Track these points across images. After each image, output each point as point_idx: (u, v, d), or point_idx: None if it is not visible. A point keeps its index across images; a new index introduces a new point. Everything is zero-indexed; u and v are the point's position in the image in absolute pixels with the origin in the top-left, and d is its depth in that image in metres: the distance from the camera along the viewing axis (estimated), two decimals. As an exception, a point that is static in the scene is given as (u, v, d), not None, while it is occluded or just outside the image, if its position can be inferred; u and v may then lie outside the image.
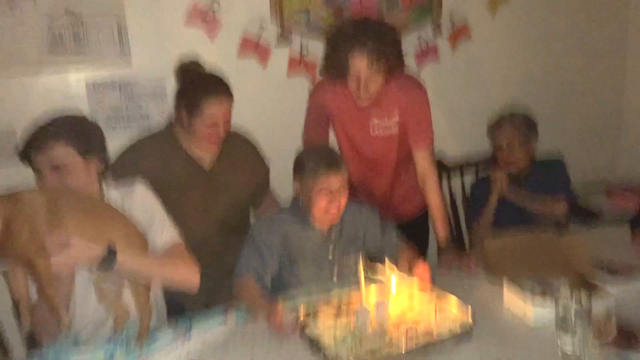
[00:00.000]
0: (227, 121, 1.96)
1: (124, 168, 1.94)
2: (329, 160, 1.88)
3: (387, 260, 1.84)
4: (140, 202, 1.74)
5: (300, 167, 1.92)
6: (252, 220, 2.27)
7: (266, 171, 2.24)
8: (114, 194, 1.73)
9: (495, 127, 2.58)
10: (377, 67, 1.99)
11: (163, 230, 1.72)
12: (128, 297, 1.60)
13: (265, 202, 2.27)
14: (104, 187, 1.73)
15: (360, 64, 1.98)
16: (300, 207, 1.95)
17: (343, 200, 1.90)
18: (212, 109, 1.88)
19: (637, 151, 3.51)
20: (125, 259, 1.48)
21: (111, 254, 1.45)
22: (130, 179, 1.80)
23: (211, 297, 2.02)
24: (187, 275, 1.67)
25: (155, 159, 1.94)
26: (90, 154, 1.64)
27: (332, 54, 2.05)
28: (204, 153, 2.00)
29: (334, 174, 1.86)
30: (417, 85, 2.20)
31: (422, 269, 1.81)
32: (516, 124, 2.53)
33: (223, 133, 1.94)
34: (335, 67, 2.05)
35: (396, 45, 2.05)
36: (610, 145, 3.58)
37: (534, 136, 2.57)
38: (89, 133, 1.67)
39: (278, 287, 1.94)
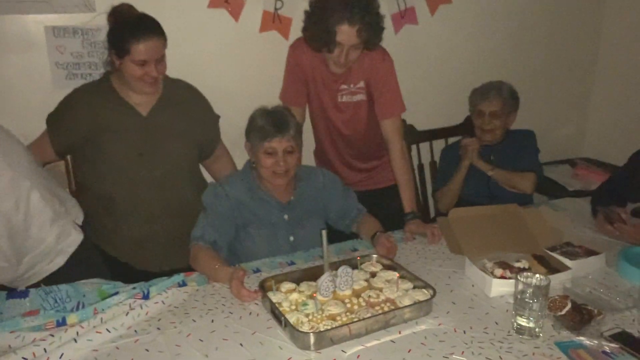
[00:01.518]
0: (160, 61, 1.93)
1: (60, 114, 1.97)
2: (277, 120, 1.87)
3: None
4: None
5: (250, 125, 1.92)
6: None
7: (214, 119, 2.21)
8: None
9: (481, 94, 2.58)
10: (362, 38, 2.00)
11: None
12: None
13: (219, 159, 2.26)
14: None
15: (348, 34, 1.98)
16: (252, 170, 1.95)
17: (291, 161, 1.88)
18: (140, 47, 1.86)
19: (602, 129, 3.57)
20: None
21: None
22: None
23: (168, 253, 2.03)
24: None
25: (90, 105, 1.96)
26: None
27: (319, 22, 2.01)
28: (141, 98, 1.99)
29: (281, 135, 1.85)
30: (383, 56, 2.19)
31: (389, 244, 1.85)
32: (503, 94, 2.54)
33: (156, 73, 1.91)
34: (320, 37, 2.03)
35: (379, 18, 2.06)
36: (576, 122, 3.63)
37: (515, 108, 2.59)
38: None
39: (235, 250, 1.94)
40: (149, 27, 1.89)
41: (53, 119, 1.99)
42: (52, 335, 1.42)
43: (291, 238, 1.98)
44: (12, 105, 2.20)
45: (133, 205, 2.00)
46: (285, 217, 1.97)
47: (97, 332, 1.45)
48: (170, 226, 2.04)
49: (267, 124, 1.86)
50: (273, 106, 1.97)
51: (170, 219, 2.04)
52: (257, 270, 1.81)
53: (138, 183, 1.98)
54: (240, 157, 2.22)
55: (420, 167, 2.84)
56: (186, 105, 2.08)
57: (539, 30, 3.27)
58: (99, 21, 2.21)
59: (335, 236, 2.07)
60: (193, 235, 1.87)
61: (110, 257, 2.04)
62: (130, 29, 1.87)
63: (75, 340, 1.41)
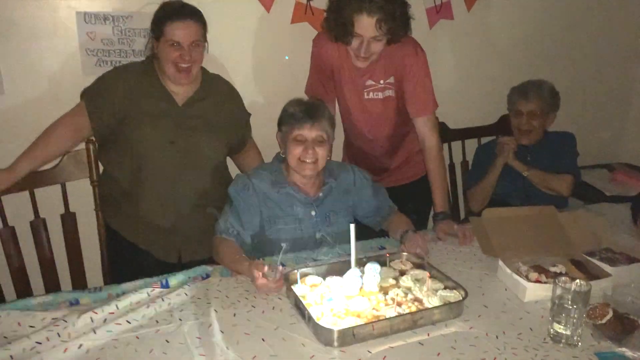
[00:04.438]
0: (196, 47, 1.90)
1: (98, 88, 1.95)
2: (309, 108, 1.83)
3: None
4: None
5: (283, 114, 1.89)
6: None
7: (246, 118, 2.19)
8: None
9: (519, 93, 2.50)
10: (383, 30, 1.91)
11: None
12: None
13: (247, 152, 2.24)
14: None
15: (367, 25, 1.89)
16: (281, 163, 1.91)
17: (320, 152, 1.83)
18: (173, 27, 1.86)
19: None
20: None
21: None
22: None
23: (189, 244, 2.01)
24: None
25: (129, 84, 1.94)
26: None
27: (337, 12, 1.94)
28: (179, 87, 1.97)
29: (312, 123, 1.81)
30: (416, 49, 2.09)
31: (422, 243, 1.79)
32: (543, 94, 2.47)
33: (189, 57, 1.89)
34: (338, 27, 1.95)
35: (403, 8, 1.95)
36: (615, 126, 3.50)
37: (555, 109, 2.50)
38: None
39: (260, 246, 1.89)
40: (186, 10, 1.89)
41: (90, 92, 1.96)
42: (65, 321, 1.40)
43: (317, 235, 1.92)
44: (42, 90, 2.20)
45: (157, 194, 1.98)
46: (313, 213, 1.92)
47: (116, 323, 1.42)
48: (192, 218, 2.01)
49: (298, 110, 1.83)
50: (304, 97, 1.93)
51: (193, 210, 2.01)
52: (282, 265, 1.76)
53: (165, 171, 1.96)
54: (268, 153, 2.19)
55: (452, 166, 2.76)
56: (221, 101, 2.07)
57: (581, 31, 3.16)
58: (130, 8, 2.21)
59: (362, 233, 2.02)
60: (217, 228, 1.84)
61: (130, 244, 2.02)
62: (167, 11, 1.89)
63: (95, 332, 1.38)
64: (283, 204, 1.89)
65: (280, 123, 1.89)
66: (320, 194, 1.92)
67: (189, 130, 1.97)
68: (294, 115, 1.83)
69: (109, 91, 1.93)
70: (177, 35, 1.86)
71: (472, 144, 2.80)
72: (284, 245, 1.61)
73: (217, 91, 2.07)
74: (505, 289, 1.64)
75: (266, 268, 1.57)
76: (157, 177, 1.96)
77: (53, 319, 1.43)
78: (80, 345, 1.33)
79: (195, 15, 1.90)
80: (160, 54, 1.91)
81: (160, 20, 1.88)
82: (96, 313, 1.45)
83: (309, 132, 1.81)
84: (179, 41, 1.86)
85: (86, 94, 1.97)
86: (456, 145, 2.78)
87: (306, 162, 1.83)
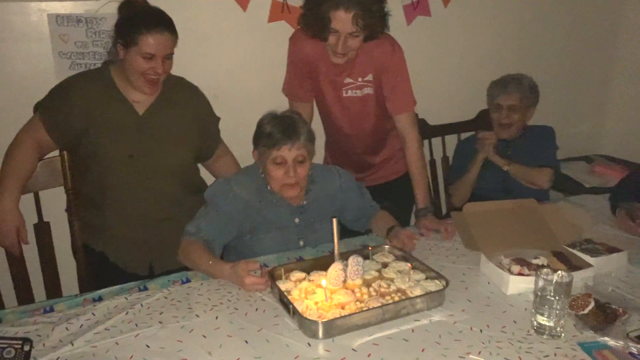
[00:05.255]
0: (168, 59, 1.83)
1: (53, 101, 1.87)
2: (286, 126, 1.75)
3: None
4: None
5: (258, 132, 1.80)
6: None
7: (214, 122, 2.11)
8: None
9: (499, 87, 2.51)
10: (360, 25, 1.89)
11: None
12: None
13: (220, 159, 2.16)
14: None
15: (343, 21, 1.88)
16: (260, 174, 1.85)
17: (302, 172, 1.77)
18: (149, 39, 1.76)
19: (620, 126, 3.48)
20: None
21: None
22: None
23: (160, 257, 1.95)
24: None
25: (85, 95, 1.85)
26: None
27: (314, 8, 1.92)
28: (139, 95, 1.88)
29: (291, 143, 1.73)
30: (393, 46, 2.09)
31: (408, 236, 1.78)
32: (522, 88, 2.48)
33: (161, 70, 1.81)
34: (315, 23, 1.93)
35: (380, 4, 1.95)
36: (593, 119, 3.53)
37: (534, 103, 2.52)
38: None
39: (242, 254, 1.82)
40: (162, 21, 1.80)
41: (47, 107, 1.87)
42: (39, 335, 1.37)
43: (301, 242, 1.90)
44: (14, 94, 2.15)
45: (122, 208, 1.90)
46: (296, 220, 1.88)
47: (95, 332, 1.39)
48: (161, 228, 1.93)
49: (275, 130, 1.74)
50: (283, 111, 1.86)
51: (161, 221, 1.93)
52: (265, 266, 1.74)
53: (125, 185, 1.88)
54: (247, 157, 2.16)
55: (432, 162, 2.77)
56: (186, 107, 1.98)
57: (556, 25, 3.19)
58: (104, 10, 2.17)
59: (344, 231, 2.01)
60: (187, 230, 1.76)
61: (101, 256, 1.96)
62: (142, 19, 1.78)
63: (72, 344, 1.35)
64: (265, 212, 1.84)
65: (257, 142, 1.81)
66: (305, 202, 1.88)
67: (151, 141, 1.89)
68: (271, 135, 1.74)
69: (65, 104, 1.84)
70: (153, 47, 1.77)
71: (452, 140, 2.81)
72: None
73: (181, 96, 1.97)
74: (488, 283, 1.64)
75: (257, 265, 1.57)
76: (120, 189, 1.88)
77: (25, 333, 1.39)
78: (57, 359, 1.30)
79: (171, 26, 1.82)
80: (129, 63, 1.80)
81: (134, 28, 1.77)
82: (71, 323, 1.43)
83: (288, 152, 1.74)
84: (153, 53, 1.78)
85: (41, 109, 1.88)
86: (436, 141, 2.79)
87: (288, 184, 1.77)
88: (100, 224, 1.94)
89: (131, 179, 1.88)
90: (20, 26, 2.10)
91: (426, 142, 2.72)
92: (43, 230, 1.99)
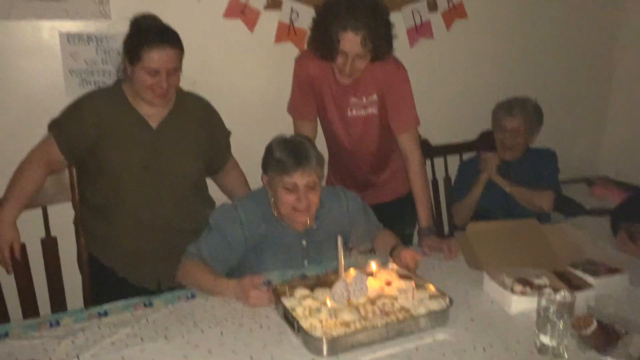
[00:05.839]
0: (172, 73, 1.85)
1: (66, 119, 1.91)
2: (297, 152, 1.74)
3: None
4: None
5: (268, 158, 1.79)
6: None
7: (225, 136, 2.15)
8: None
9: (504, 109, 2.54)
10: (367, 47, 1.93)
11: None
12: None
13: (229, 173, 2.19)
14: None
15: (352, 42, 1.91)
16: (268, 199, 1.85)
17: (313, 197, 1.77)
18: (152, 55, 1.79)
19: (618, 148, 3.52)
20: None
21: None
22: None
23: (167, 270, 1.91)
24: None
25: (98, 111, 1.88)
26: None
27: (323, 29, 1.96)
28: (152, 109, 1.92)
29: (302, 169, 1.72)
30: (397, 66, 2.13)
31: (411, 255, 1.79)
32: (527, 111, 2.50)
33: (166, 84, 1.84)
34: (324, 44, 1.97)
35: (388, 27, 1.99)
36: (592, 140, 3.57)
37: (538, 126, 2.55)
38: None
39: (241, 272, 1.80)
40: (166, 37, 1.83)
41: (59, 124, 1.91)
42: (46, 349, 1.38)
43: (305, 262, 1.90)
44: (24, 111, 2.18)
45: (132, 219, 1.93)
46: (304, 242, 1.88)
47: (101, 347, 1.41)
48: (171, 242, 1.94)
49: (286, 156, 1.73)
50: (291, 135, 1.88)
51: (171, 234, 1.95)
52: (269, 283, 1.76)
53: (139, 197, 1.91)
54: (252, 176, 2.20)
55: (434, 182, 2.79)
56: (198, 120, 2.02)
57: (555, 48, 3.24)
58: (114, 29, 2.21)
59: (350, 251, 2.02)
60: (188, 251, 1.76)
61: (109, 270, 1.98)
62: (145, 36, 1.81)
63: (78, 357, 1.36)
64: (272, 236, 1.83)
65: (267, 167, 1.80)
66: (314, 226, 1.88)
67: (163, 154, 1.92)
68: (281, 161, 1.73)
69: (77, 120, 1.88)
70: (156, 63, 1.80)
71: (453, 160, 2.84)
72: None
73: (193, 110, 2.01)
74: (491, 302, 1.65)
75: (262, 278, 1.59)
76: (131, 202, 1.91)
77: (32, 346, 1.40)
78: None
79: (174, 41, 1.84)
80: (135, 78, 1.84)
81: (138, 45, 1.81)
82: (77, 337, 1.44)
83: (299, 179, 1.73)
84: (157, 69, 1.81)
85: (55, 127, 1.91)
86: (438, 161, 2.82)
87: (299, 210, 1.76)
88: (109, 237, 1.96)
89: (144, 190, 1.91)
90: (32, 44, 2.14)
91: (428, 161, 2.75)
92: (50, 245, 2.01)
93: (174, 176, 1.95)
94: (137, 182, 1.90)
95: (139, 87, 1.85)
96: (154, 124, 1.93)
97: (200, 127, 2.02)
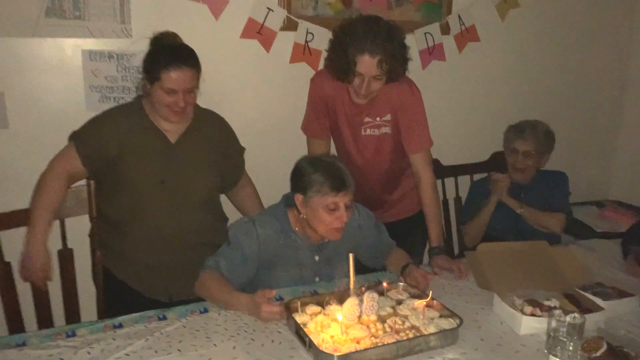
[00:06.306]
0: (190, 92, 1.89)
1: (87, 132, 1.94)
2: (340, 175, 1.80)
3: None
4: None
5: (306, 178, 1.81)
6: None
7: (240, 151, 2.20)
8: None
9: (516, 132, 2.56)
10: (384, 69, 1.98)
11: None
12: None
13: (242, 189, 2.23)
14: None
15: (368, 65, 1.96)
16: (286, 214, 1.89)
17: (349, 215, 1.83)
18: (170, 75, 1.83)
19: (629, 171, 3.53)
20: None
21: None
22: None
23: (180, 282, 1.95)
24: None
25: (118, 126, 1.93)
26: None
27: (340, 52, 2.00)
28: (170, 125, 1.96)
29: (345, 191, 1.78)
30: (411, 88, 2.17)
31: (422, 275, 1.82)
32: (538, 134, 2.53)
33: (184, 103, 1.88)
34: (341, 66, 2.01)
35: (403, 49, 2.03)
36: (603, 165, 3.58)
37: (549, 149, 2.57)
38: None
39: (254, 287, 1.83)
40: (183, 57, 1.87)
41: (81, 138, 1.95)
42: (62, 359, 1.41)
43: (317, 278, 1.93)
44: (46, 124, 2.24)
45: (147, 231, 1.96)
46: (316, 258, 1.92)
47: (115, 357, 1.44)
48: (184, 255, 1.97)
49: (331, 178, 1.78)
50: (322, 156, 1.93)
51: (184, 248, 1.98)
52: (280, 299, 1.78)
53: (155, 210, 1.94)
54: (265, 193, 2.24)
55: (445, 202, 2.81)
56: (214, 136, 2.07)
57: (566, 71, 3.27)
58: (134, 47, 2.27)
59: (360, 268, 2.04)
60: (206, 264, 1.80)
61: (121, 283, 2.00)
62: (164, 56, 1.85)
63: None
64: (287, 251, 1.87)
65: (304, 188, 1.81)
66: (326, 240, 1.91)
67: (181, 169, 1.96)
68: (325, 183, 1.77)
69: (100, 134, 1.93)
70: (173, 83, 1.84)
71: (464, 181, 2.86)
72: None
73: (210, 126, 2.06)
74: (501, 323, 1.66)
75: (274, 292, 1.62)
76: (148, 216, 1.94)
77: (49, 356, 1.43)
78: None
79: (191, 61, 1.88)
80: (154, 96, 1.89)
81: (156, 65, 1.85)
82: (93, 347, 1.47)
83: (342, 199, 1.78)
84: (174, 89, 1.85)
85: (77, 138, 1.95)
86: (449, 181, 2.84)
87: (337, 228, 1.81)
88: (122, 250, 1.98)
89: (160, 204, 1.94)
90: (55, 60, 2.21)
91: (439, 182, 2.77)
92: (66, 256, 2.05)
93: (190, 190, 1.98)
94: (154, 195, 1.94)
95: (158, 105, 1.90)
96: (172, 138, 1.98)
97: (216, 143, 2.07)
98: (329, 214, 1.79)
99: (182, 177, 1.97)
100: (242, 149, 2.21)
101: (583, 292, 1.78)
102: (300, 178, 1.83)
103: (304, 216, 1.85)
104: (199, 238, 2.00)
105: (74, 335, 1.54)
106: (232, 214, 2.20)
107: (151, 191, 1.93)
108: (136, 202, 1.94)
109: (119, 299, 2.00)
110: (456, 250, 2.85)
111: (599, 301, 1.72)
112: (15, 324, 1.94)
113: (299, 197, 1.84)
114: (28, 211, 1.89)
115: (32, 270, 1.85)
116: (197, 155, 2.01)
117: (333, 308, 1.61)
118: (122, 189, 1.94)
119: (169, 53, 1.87)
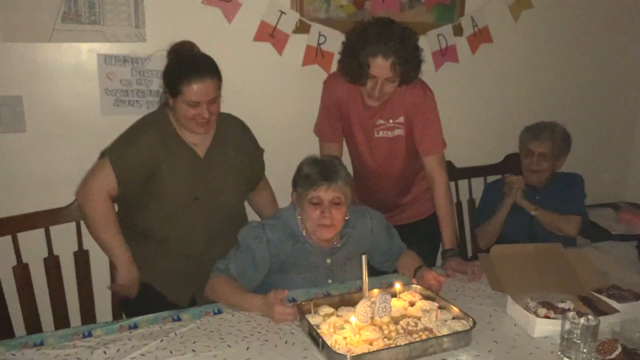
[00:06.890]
0: (213, 102, 1.87)
1: (125, 157, 1.89)
2: (324, 168, 1.80)
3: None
4: None
5: (297, 174, 1.86)
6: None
7: (260, 152, 2.20)
8: None
9: (532, 133, 2.55)
10: (397, 72, 1.98)
11: None
12: None
13: (260, 191, 2.23)
14: None
15: (382, 67, 1.96)
16: (295, 218, 1.89)
17: (337, 214, 1.80)
18: (192, 88, 1.81)
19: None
20: None
21: None
22: None
23: (202, 286, 1.94)
24: None
25: (153, 145, 1.89)
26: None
27: (353, 55, 2.01)
28: (196, 137, 1.94)
29: (327, 185, 1.77)
30: (424, 90, 2.16)
31: (435, 277, 1.81)
32: (554, 136, 2.51)
33: (208, 114, 1.86)
34: (354, 69, 2.01)
35: (416, 51, 2.03)
36: (620, 167, 3.55)
37: (566, 152, 2.54)
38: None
39: (265, 289, 1.80)
40: (203, 68, 1.84)
41: (118, 160, 1.88)
42: (79, 358, 1.44)
43: (329, 281, 1.93)
44: (62, 128, 2.27)
45: (176, 243, 1.96)
46: (328, 261, 1.92)
47: (131, 357, 1.46)
48: (209, 263, 1.94)
49: (313, 171, 1.80)
50: (323, 156, 1.93)
51: (210, 256, 1.96)
52: (293, 300, 1.79)
53: (187, 226, 1.94)
54: (280, 196, 2.26)
55: (458, 204, 2.80)
56: (239, 142, 2.06)
57: (581, 73, 3.24)
58: (149, 51, 2.30)
59: (372, 271, 2.04)
60: (216, 267, 1.81)
61: (143, 284, 2.01)
62: (183, 70, 1.83)
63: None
64: (298, 254, 1.87)
65: (296, 184, 1.86)
66: (338, 244, 1.92)
67: (212, 182, 1.96)
68: (309, 176, 1.79)
69: (137, 156, 1.88)
70: (196, 95, 1.82)
71: (478, 183, 2.85)
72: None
73: (232, 132, 2.06)
74: (515, 325, 1.65)
75: (286, 292, 1.64)
76: (181, 229, 1.94)
77: (66, 355, 1.46)
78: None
79: (212, 71, 1.86)
80: (177, 109, 1.87)
81: (177, 79, 1.82)
82: (109, 347, 1.49)
83: (324, 194, 1.78)
84: (197, 101, 1.83)
85: (114, 161, 1.88)
86: (462, 183, 2.83)
87: (324, 225, 1.80)
88: (148, 256, 1.98)
89: (193, 220, 1.94)
90: (71, 65, 2.23)
91: (452, 184, 2.76)
92: (82, 257, 2.08)
93: (222, 203, 1.99)
94: (187, 212, 1.93)
95: (182, 118, 1.88)
96: (201, 152, 1.96)
97: (241, 149, 2.07)
98: (314, 209, 1.79)
99: (214, 192, 1.97)
100: (262, 150, 2.21)
101: (598, 295, 1.76)
102: (295, 175, 1.87)
103: (299, 215, 1.86)
104: (224, 245, 1.97)
105: (90, 335, 1.57)
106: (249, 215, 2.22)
107: (185, 209, 1.93)
108: (168, 217, 1.93)
109: (139, 301, 2.00)
110: (470, 253, 2.84)
111: (614, 303, 1.70)
112: (33, 324, 1.98)
113: (293, 195, 1.87)
114: (98, 239, 1.94)
115: (128, 284, 1.93)
116: (227, 166, 2.00)
117: (346, 309, 1.62)
118: (154, 204, 1.93)
119: (188, 65, 1.85)
